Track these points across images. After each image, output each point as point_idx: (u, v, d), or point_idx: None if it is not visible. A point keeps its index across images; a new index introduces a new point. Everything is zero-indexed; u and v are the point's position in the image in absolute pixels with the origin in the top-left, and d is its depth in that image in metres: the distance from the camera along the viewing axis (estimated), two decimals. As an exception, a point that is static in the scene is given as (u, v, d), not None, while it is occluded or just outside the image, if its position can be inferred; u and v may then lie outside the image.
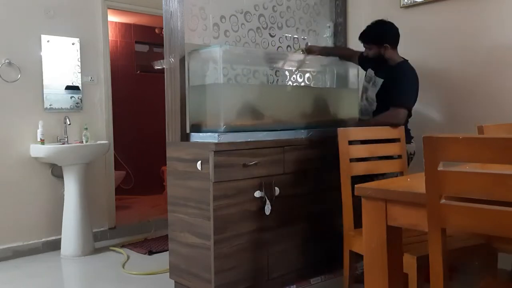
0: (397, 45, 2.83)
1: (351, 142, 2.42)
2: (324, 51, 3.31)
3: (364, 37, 2.85)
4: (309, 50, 3.25)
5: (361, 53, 3.05)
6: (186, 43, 2.71)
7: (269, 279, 2.66)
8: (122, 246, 3.82)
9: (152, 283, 2.97)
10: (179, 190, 2.64)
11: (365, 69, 3.04)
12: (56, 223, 3.65)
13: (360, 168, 2.45)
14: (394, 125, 2.61)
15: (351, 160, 2.41)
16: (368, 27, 2.84)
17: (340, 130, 2.42)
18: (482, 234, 1.27)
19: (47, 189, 3.72)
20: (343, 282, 2.45)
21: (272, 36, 3.32)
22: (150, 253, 3.58)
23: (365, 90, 2.95)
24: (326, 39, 3.70)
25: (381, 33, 2.80)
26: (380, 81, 2.82)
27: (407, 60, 2.82)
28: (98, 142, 3.88)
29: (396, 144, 2.59)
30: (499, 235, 1.18)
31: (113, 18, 5.69)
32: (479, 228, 1.19)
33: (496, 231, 1.16)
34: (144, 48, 6.34)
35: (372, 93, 2.87)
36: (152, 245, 3.78)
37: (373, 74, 2.89)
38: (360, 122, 2.87)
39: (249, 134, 2.64)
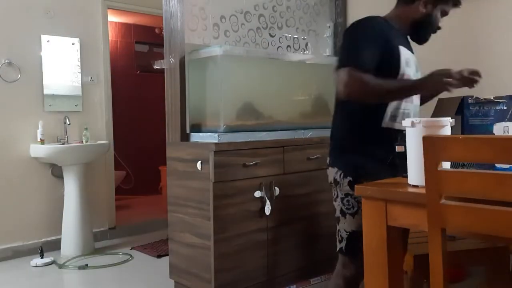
0: None
1: None
2: None
3: None
4: None
5: None
6: (186, 43, 2.72)
7: (269, 279, 2.66)
8: (132, 248, 3.76)
9: (152, 283, 2.96)
10: (179, 190, 2.64)
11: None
12: (56, 223, 3.65)
13: None
14: None
15: None
16: None
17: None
18: (500, 237, 1.26)
19: (47, 189, 3.72)
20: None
21: (272, 36, 3.32)
22: (159, 256, 3.48)
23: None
24: (326, 39, 3.70)
25: None
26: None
27: None
28: (98, 142, 3.88)
29: None
30: (499, 235, 1.18)
31: (113, 18, 5.69)
32: (479, 228, 1.19)
33: (496, 231, 1.16)
34: (144, 48, 6.34)
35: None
36: (163, 248, 3.61)
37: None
38: None
39: (249, 134, 2.65)
